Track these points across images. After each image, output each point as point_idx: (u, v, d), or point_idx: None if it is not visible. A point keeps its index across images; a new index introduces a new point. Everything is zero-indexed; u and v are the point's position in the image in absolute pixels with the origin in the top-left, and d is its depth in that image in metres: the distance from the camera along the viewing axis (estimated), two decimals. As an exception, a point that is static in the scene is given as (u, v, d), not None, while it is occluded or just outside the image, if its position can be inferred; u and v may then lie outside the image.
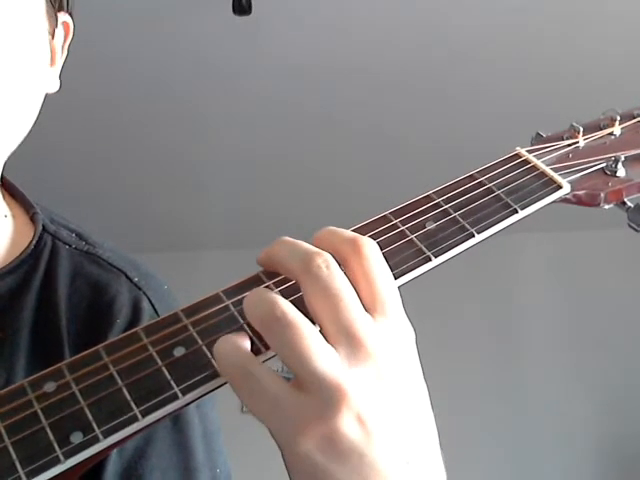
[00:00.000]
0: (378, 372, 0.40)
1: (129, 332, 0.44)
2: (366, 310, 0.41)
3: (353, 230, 0.48)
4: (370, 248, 0.43)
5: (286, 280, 0.47)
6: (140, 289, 0.67)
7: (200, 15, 2.52)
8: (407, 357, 0.42)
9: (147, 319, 0.65)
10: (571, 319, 3.56)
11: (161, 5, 2.48)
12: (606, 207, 0.52)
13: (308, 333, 0.38)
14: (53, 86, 0.68)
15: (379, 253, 0.43)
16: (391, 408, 0.40)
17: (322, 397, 0.38)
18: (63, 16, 0.68)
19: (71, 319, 0.63)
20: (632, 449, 3.44)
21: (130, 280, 0.68)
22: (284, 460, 0.40)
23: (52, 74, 0.68)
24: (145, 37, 2.63)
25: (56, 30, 0.67)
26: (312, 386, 0.38)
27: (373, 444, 0.39)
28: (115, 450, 0.58)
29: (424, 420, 0.42)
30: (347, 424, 0.38)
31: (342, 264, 0.43)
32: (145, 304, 0.66)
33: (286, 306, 0.40)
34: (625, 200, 0.52)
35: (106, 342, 0.44)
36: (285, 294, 0.44)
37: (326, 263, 0.41)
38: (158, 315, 0.66)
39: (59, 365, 0.43)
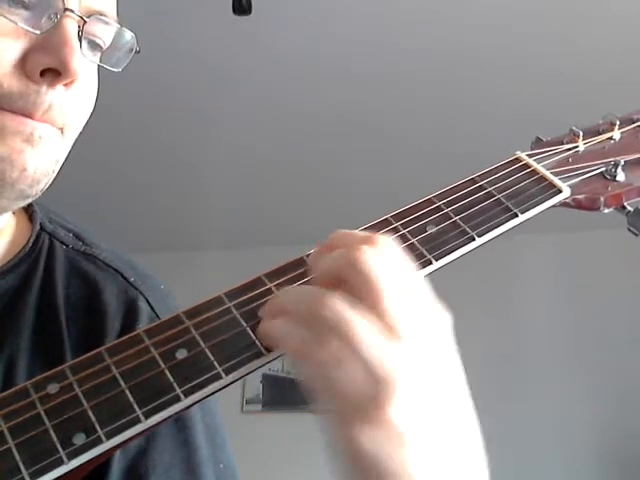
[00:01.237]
0: (420, 364, 0.41)
1: (131, 334, 0.44)
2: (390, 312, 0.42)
3: None
4: (386, 244, 0.43)
5: (290, 282, 0.47)
6: (137, 289, 0.67)
7: (200, 15, 2.52)
8: (443, 347, 0.43)
9: (145, 318, 0.65)
10: (572, 320, 3.56)
11: (161, 5, 2.48)
12: (606, 211, 0.52)
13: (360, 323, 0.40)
14: None
15: (396, 248, 0.44)
16: (436, 400, 0.42)
17: (375, 386, 0.40)
18: None
19: (70, 317, 0.64)
20: (634, 449, 3.44)
21: (126, 280, 0.68)
22: (333, 448, 0.41)
23: None
24: (145, 37, 2.63)
25: None
26: (366, 375, 0.40)
27: (420, 434, 0.40)
28: (119, 450, 0.58)
29: (465, 410, 0.44)
30: (397, 413, 0.39)
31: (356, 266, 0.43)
32: (142, 303, 0.66)
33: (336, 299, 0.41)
34: (625, 204, 0.52)
35: (109, 344, 0.44)
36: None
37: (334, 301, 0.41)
38: (156, 314, 0.66)
39: (62, 367, 0.43)
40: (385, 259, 0.43)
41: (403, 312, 0.42)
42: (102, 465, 0.59)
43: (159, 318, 0.66)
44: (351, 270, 0.42)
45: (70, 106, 0.58)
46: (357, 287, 0.42)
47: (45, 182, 0.59)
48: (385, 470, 0.40)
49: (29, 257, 0.65)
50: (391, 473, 0.40)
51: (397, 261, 0.44)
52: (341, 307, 0.41)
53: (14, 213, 0.68)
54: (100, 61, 0.62)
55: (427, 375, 0.42)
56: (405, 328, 0.41)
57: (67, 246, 0.68)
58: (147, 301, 0.67)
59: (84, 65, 0.56)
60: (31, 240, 0.66)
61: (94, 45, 0.60)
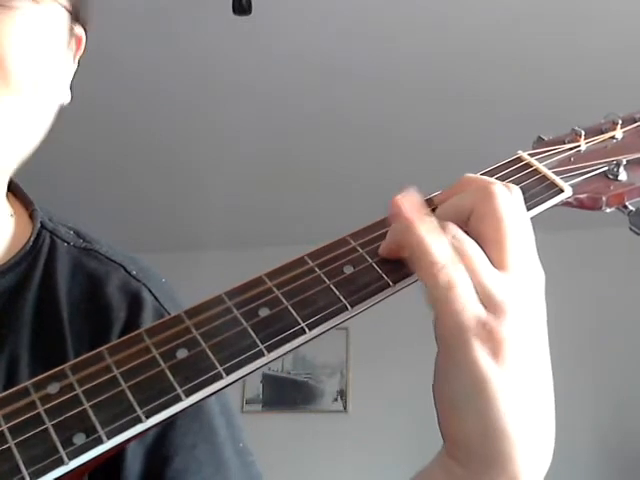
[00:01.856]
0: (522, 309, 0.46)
1: (132, 334, 0.44)
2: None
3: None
4: (517, 191, 0.46)
5: (290, 281, 0.47)
6: (139, 281, 0.68)
7: (200, 15, 2.52)
8: (537, 305, 0.47)
9: (150, 309, 0.66)
10: (572, 319, 3.56)
11: (161, 5, 2.48)
12: (608, 210, 0.52)
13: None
14: (66, 97, 0.68)
15: (519, 197, 0.47)
16: (534, 337, 0.46)
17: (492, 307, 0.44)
18: (78, 29, 0.69)
19: (73, 313, 0.64)
20: (634, 449, 3.44)
21: (129, 273, 0.68)
22: (446, 364, 0.45)
23: (65, 85, 0.68)
24: (145, 37, 2.64)
25: (70, 42, 0.67)
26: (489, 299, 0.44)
27: (525, 362, 0.45)
28: None
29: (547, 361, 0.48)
30: (511, 333, 0.44)
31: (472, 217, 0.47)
32: (146, 294, 0.67)
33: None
34: (627, 204, 0.52)
35: (109, 344, 0.44)
36: (290, 293, 0.47)
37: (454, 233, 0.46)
38: (160, 303, 0.67)
39: (63, 366, 0.43)
40: (515, 203, 0.47)
41: (521, 254, 0.46)
42: (119, 453, 0.59)
43: (163, 308, 0.67)
44: (485, 203, 0.46)
45: None
46: (486, 220, 0.46)
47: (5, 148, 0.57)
48: (494, 385, 0.43)
49: (29, 255, 0.65)
50: (500, 389, 0.43)
51: (522, 209, 0.47)
52: (464, 236, 0.46)
53: (16, 213, 0.68)
54: None
55: (531, 311, 0.46)
56: (519, 268, 0.46)
57: (68, 243, 0.68)
58: (150, 292, 0.67)
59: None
60: (32, 238, 0.66)
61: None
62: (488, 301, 0.44)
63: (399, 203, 0.47)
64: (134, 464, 0.61)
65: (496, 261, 0.45)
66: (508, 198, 0.46)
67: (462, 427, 0.45)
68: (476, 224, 0.46)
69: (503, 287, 0.44)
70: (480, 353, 0.43)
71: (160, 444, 0.62)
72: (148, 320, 0.65)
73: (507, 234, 0.46)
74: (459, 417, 0.45)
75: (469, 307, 0.43)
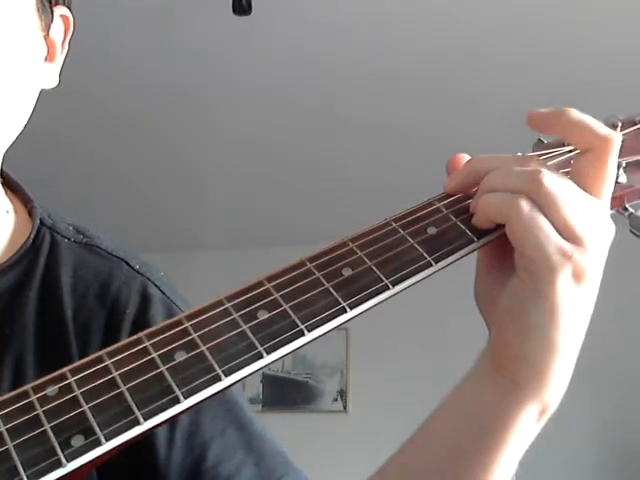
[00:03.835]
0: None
1: (132, 337, 0.44)
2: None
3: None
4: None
5: (289, 283, 0.47)
6: (143, 275, 0.67)
7: (200, 15, 2.52)
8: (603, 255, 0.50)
9: (158, 304, 0.65)
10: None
11: (161, 5, 2.48)
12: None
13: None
14: (51, 82, 0.67)
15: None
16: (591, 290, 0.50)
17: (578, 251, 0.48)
18: (60, 9, 0.66)
19: (77, 309, 0.63)
20: (634, 449, 3.44)
21: (132, 268, 0.68)
22: (525, 291, 0.49)
23: (51, 70, 0.67)
24: (145, 37, 2.64)
25: (52, 25, 0.65)
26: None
27: (579, 312, 0.50)
28: (166, 427, 0.60)
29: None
30: (590, 266, 0.48)
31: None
32: (152, 290, 0.66)
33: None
34: (627, 206, 0.52)
35: (109, 348, 0.44)
36: (289, 295, 0.46)
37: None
38: (167, 296, 0.67)
39: (62, 369, 0.43)
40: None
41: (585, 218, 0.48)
42: (148, 446, 0.60)
43: (171, 300, 0.67)
44: (604, 151, 0.49)
45: None
46: (598, 165, 0.49)
47: None
48: (570, 310, 0.49)
49: (30, 253, 0.65)
50: (573, 315, 0.49)
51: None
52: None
53: (15, 210, 0.68)
54: None
55: (603, 249, 0.50)
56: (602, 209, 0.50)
57: (69, 239, 0.68)
58: (156, 286, 0.67)
59: None
60: (32, 236, 0.65)
61: None
62: (569, 234, 0.47)
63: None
64: (174, 454, 0.61)
65: (594, 191, 0.50)
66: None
67: (526, 344, 0.49)
68: (586, 162, 0.50)
69: (585, 221, 0.48)
70: (564, 280, 0.47)
71: (194, 432, 0.62)
72: (157, 315, 0.65)
73: (607, 182, 0.50)
74: (527, 336, 0.49)
75: (553, 238, 0.47)
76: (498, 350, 0.52)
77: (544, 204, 0.47)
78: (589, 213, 0.48)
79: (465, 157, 0.54)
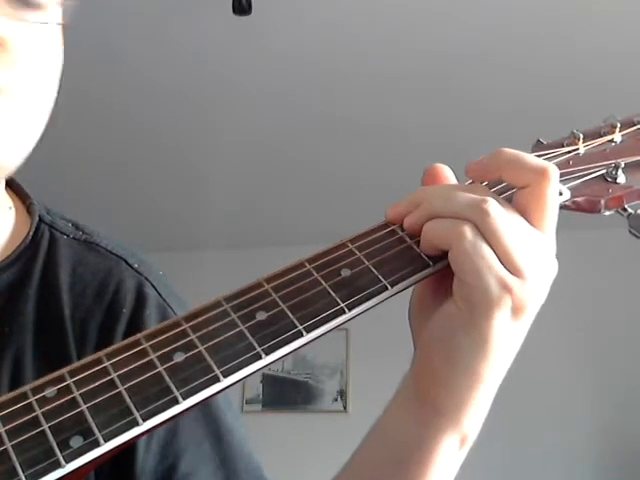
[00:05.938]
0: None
1: (131, 339, 0.44)
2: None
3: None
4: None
5: (288, 284, 0.47)
6: (141, 274, 0.67)
7: (200, 15, 2.52)
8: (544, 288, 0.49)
9: (153, 304, 0.65)
10: (572, 320, 3.56)
11: (161, 5, 2.48)
12: (606, 214, 0.52)
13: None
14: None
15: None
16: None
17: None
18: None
19: (75, 307, 0.63)
20: (634, 449, 3.44)
21: (130, 266, 0.68)
22: (478, 329, 0.48)
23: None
24: (145, 37, 2.64)
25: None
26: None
27: (508, 348, 0.49)
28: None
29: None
30: (529, 297, 0.47)
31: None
32: (149, 289, 0.66)
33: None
34: (626, 206, 0.52)
35: (107, 349, 0.44)
36: (288, 296, 0.46)
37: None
38: (162, 298, 0.67)
39: (61, 370, 0.43)
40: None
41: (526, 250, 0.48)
42: (129, 451, 0.59)
43: (166, 302, 0.66)
44: (541, 185, 0.48)
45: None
46: (536, 198, 0.48)
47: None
48: (503, 343, 0.48)
49: (28, 250, 0.65)
50: (504, 347, 0.49)
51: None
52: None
53: (15, 207, 0.68)
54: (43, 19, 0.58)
55: (545, 282, 0.49)
56: (547, 239, 0.49)
57: (68, 236, 0.68)
58: (153, 286, 0.67)
59: (8, 27, 0.54)
60: (31, 233, 0.65)
61: (27, 3, 0.56)
62: (511, 265, 0.46)
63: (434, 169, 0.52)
64: (149, 459, 0.61)
65: (537, 224, 0.49)
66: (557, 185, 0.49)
67: (451, 372, 0.49)
68: (525, 198, 0.49)
69: (527, 253, 0.47)
70: (501, 315, 0.46)
71: (170, 440, 0.62)
72: (152, 316, 0.64)
73: (549, 214, 0.49)
74: (453, 364, 0.49)
75: (496, 268, 0.46)
76: (422, 374, 0.52)
77: (488, 233, 0.46)
78: (532, 246, 0.47)
79: (443, 168, 0.53)
